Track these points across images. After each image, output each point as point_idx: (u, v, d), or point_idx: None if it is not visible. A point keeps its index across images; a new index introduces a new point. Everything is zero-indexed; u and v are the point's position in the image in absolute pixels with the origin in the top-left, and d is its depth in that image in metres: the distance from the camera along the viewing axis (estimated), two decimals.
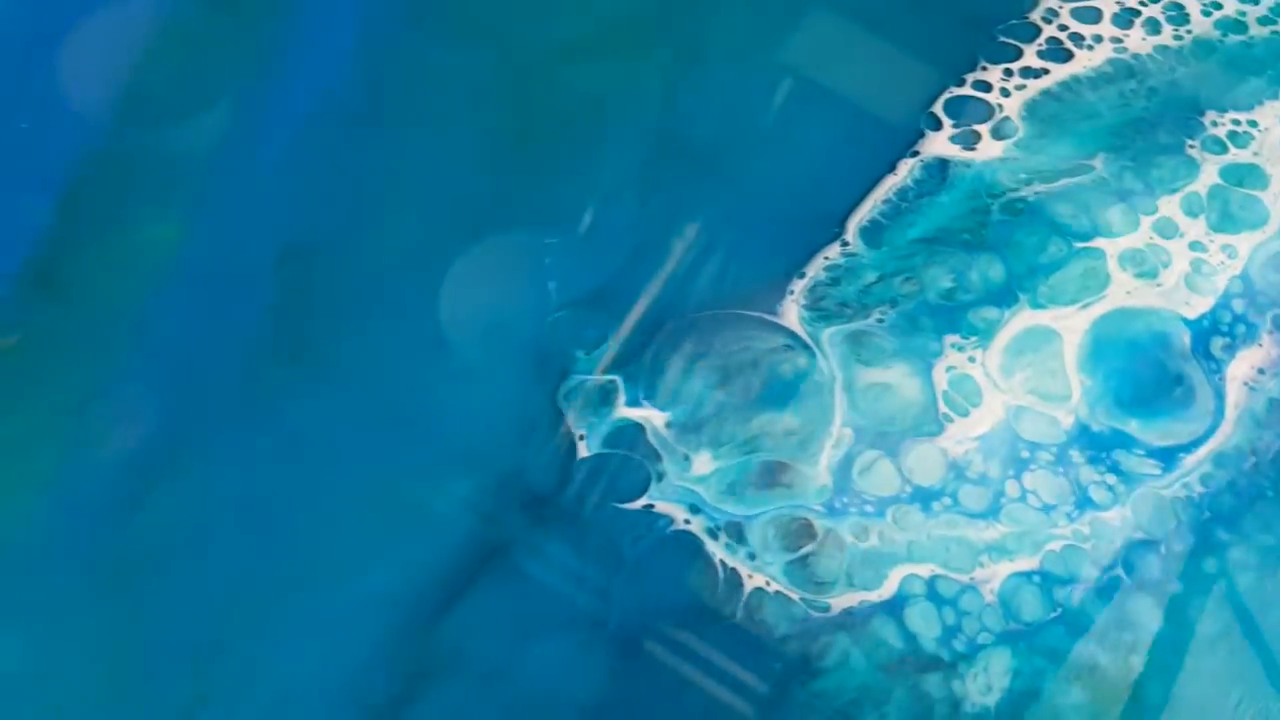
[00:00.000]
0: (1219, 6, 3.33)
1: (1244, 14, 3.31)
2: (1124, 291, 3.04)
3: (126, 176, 3.04)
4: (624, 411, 2.91)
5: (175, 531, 2.77)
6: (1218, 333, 2.97)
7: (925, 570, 2.77)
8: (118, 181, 3.03)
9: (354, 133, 3.15)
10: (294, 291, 2.99)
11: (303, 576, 2.77)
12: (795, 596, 2.75)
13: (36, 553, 2.72)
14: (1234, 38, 3.28)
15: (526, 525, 2.81)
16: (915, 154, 3.19)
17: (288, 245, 3.02)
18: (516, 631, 2.73)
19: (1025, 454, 2.88)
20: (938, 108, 3.24)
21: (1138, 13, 3.36)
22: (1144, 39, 3.32)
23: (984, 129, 3.23)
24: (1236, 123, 3.19)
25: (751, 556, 2.78)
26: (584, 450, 2.88)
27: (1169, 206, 3.12)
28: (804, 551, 2.79)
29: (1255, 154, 3.16)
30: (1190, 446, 2.89)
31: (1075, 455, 2.88)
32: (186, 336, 2.93)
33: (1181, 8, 3.36)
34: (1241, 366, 2.95)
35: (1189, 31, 3.32)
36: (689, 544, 2.79)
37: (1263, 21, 3.30)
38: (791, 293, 3.02)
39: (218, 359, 2.92)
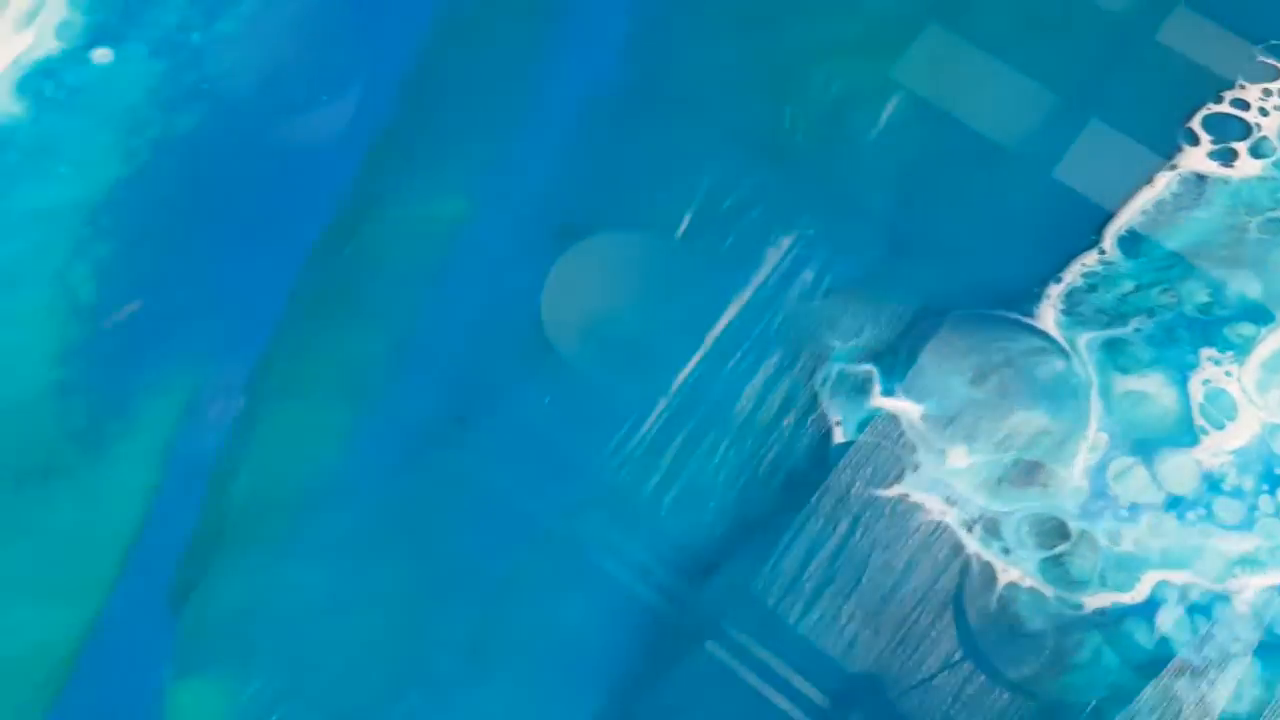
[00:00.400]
0: None
1: None
2: None
3: (419, 152, 3.22)
4: (879, 401, 3.00)
5: (459, 485, 2.93)
6: None
7: (1178, 577, 2.80)
8: (411, 156, 3.20)
9: (625, 120, 3.27)
10: (568, 268, 3.12)
11: (573, 536, 2.91)
12: (1049, 593, 2.80)
13: (333, 496, 2.89)
14: None
15: (783, 505, 2.91)
16: (1173, 168, 3.21)
17: (563, 224, 3.16)
18: (772, 605, 2.82)
19: None
20: (1195, 123, 3.26)
21: None
22: None
23: (1242, 147, 3.24)
24: None
25: (1006, 551, 2.84)
26: (839, 436, 2.97)
27: None
28: (1058, 550, 2.84)
29: None
30: None
31: None
32: (471, 303, 3.08)
33: None
34: None
35: None
36: (944, 535, 2.86)
37: None
38: (1048, 297, 3.07)
39: (498, 326, 3.07)
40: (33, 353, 2.89)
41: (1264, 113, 3.28)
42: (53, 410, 2.83)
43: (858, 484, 2.92)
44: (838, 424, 2.98)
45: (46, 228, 3.02)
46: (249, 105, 3.23)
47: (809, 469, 2.92)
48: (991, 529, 2.87)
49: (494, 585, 2.85)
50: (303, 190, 3.18)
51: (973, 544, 2.86)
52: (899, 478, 2.93)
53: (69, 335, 2.91)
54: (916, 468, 2.94)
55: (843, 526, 2.88)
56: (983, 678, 2.75)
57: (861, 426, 2.98)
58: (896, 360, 3.03)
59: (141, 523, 2.78)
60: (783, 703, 2.79)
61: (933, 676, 2.77)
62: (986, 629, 2.79)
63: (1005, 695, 2.74)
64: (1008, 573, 2.83)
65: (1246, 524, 2.86)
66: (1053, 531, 2.86)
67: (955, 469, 2.92)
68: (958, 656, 2.77)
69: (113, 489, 2.79)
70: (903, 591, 2.82)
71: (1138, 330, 3.04)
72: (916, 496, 2.91)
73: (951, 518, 2.88)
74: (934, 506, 2.90)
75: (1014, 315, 3.06)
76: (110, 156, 3.10)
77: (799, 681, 2.80)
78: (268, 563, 2.80)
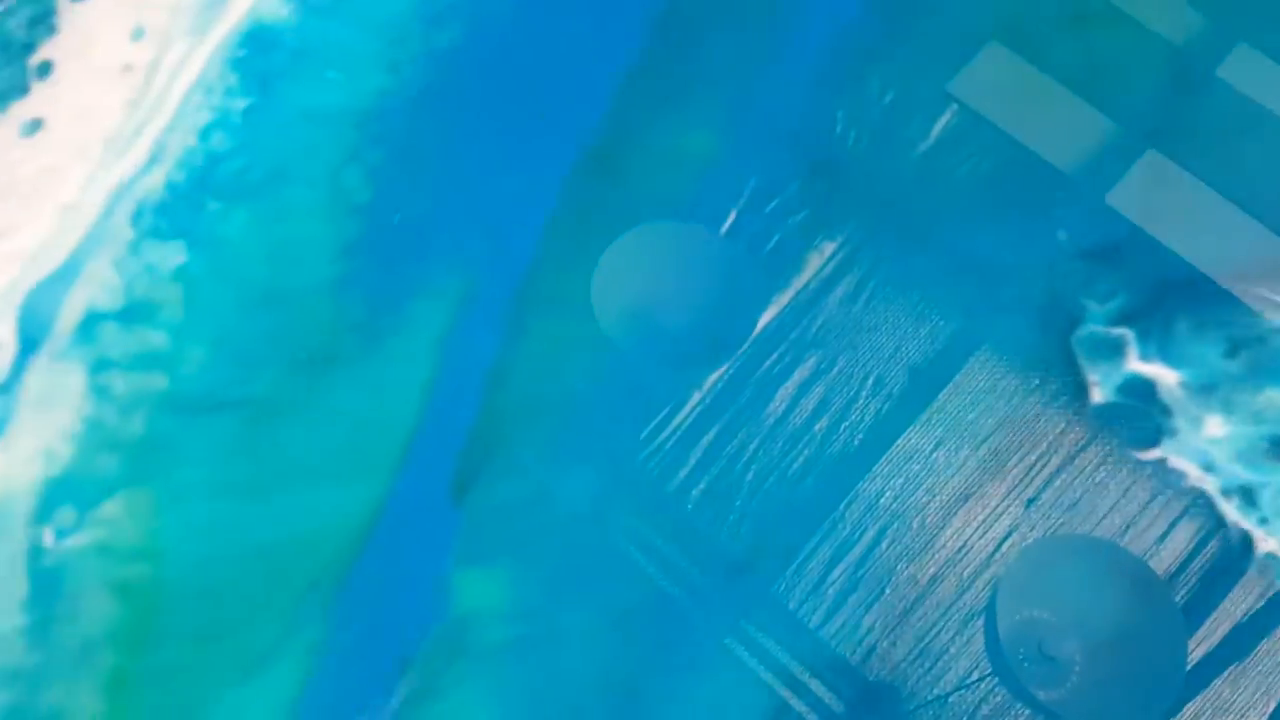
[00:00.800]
0: None
1: None
2: None
3: (669, 86, 3.22)
4: (1135, 365, 3.00)
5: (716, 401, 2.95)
6: None
7: None
8: (661, 89, 3.21)
9: (867, 67, 3.26)
10: (817, 204, 3.12)
11: (813, 457, 2.92)
12: None
13: (596, 402, 2.92)
14: None
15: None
16: None
17: (813, 162, 3.16)
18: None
19: None
20: None
21: None
22: None
23: None
24: None
25: (1263, 521, 2.85)
26: (1096, 397, 2.98)
27: None
28: None
29: None
30: None
31: None
32: (715, 227, 3.09)
33: None
34: None
35: None
36: (1202, 501, 2.86)
37: None
38: None
39: (749, 257, 3.08)
40: (311, 246, 2.92)
41: None
42: (332, 302, 2.86)
43: (1115, 445, 2.92)
44: (1095, 384, 2.99)
45: (316, 129, 3.05)
46: (507, 28, 3.25)
47: (838, 475, 2.93)
48: (1248, 498, 2.88)
49: (734, 501, 2.87)
50: (559, 114, 3.20)
51: (1231, 512, 2.86)
52: (1155, 441, 2.93)
53: (345, 232, 2.93)
54: (1174, 433, 2.94)
55: (869, 535, 2.89)
56: (1000, 697, 2.76)
57: (1118, 389, 2.98)
58: (1151, 326, 3.03)
59: (421, 415, 2.81)
60: (798, 705, 2.81)
61: (950, 693, 2.78)
62: (1241, 595, 2.79)
63: (1024, 714, 2.74)
64: (1265, 542, 2.84)
65: None
66: None
67: (1212, 437, 2.93)
68: (976, 676, 2.78)
69: (392, 380, 2.81)
70: (926, 605, 2.80)
71: None
72: (1174, 461, 2.91)
73: (1209, 485, 2.89)
74: (1192, 472, 2.90)
75: (1265, 292, 3.06)
76: (375, 66, 3.12)
77: (816, 685, 2.81)
78: (540, 462, 2.82)
